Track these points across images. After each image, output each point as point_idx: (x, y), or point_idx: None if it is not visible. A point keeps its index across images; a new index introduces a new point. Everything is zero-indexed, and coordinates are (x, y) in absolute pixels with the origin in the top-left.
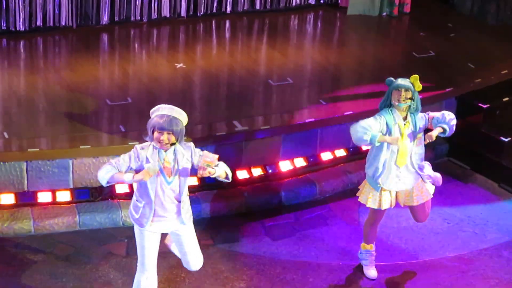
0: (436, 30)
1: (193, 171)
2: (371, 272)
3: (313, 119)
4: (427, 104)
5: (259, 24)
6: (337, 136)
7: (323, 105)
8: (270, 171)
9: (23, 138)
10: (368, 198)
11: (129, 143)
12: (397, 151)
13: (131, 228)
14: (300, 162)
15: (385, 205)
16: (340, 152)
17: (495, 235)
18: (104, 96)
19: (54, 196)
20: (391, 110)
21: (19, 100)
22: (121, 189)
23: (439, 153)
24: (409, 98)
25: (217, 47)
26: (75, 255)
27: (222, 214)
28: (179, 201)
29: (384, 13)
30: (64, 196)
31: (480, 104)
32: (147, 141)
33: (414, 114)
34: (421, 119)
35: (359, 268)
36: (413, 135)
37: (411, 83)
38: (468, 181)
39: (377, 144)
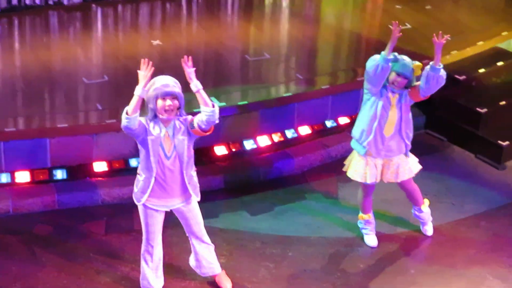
0: (412, 2)
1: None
2: (371, 240)
3: (290, 94)
4: None
5: (235, 0)
6: (315, 110)
7: (300, 79)
8: (248, 146)
9: None
10: (355, 171)
11: (106, 121)
12: (385, 120)
13: (110, 206)
14: (277, 137)
15: (370, 179)
16: (318, 126)
17: (473, 206)
18: (80, 74)
19: (32, 176)
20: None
21: None
22: (99, 167)
23: (416, 125)
24: (404, 86)
25: (193, 24)
26: (54, 234)
27: (201, 190)
28: (182, 177)
29: None
30: (42, 175)
31: (456, 76)
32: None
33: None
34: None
35: (338, 242)
36: (402, 104)
37: (412, 71)
38: (445, 153)
39: (389, 56)
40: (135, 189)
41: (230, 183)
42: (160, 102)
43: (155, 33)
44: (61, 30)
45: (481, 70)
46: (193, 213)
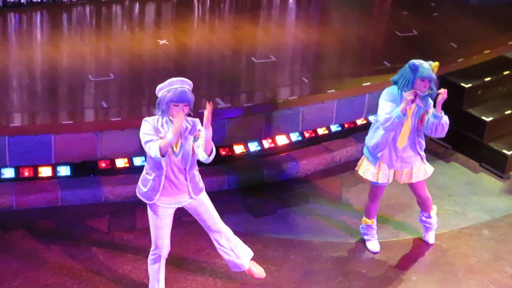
0: (419, 9)
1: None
2: (373, 245)
3: (295, 97)
4: None
5: (242, 2)
6: (320, 114)
7: (306, 83)
8: (252, 148)
9: (4, 113)
10: (367, 170)
11: (111, 119)
12: (399, 132)
13: (113, 204)
14: (282, 139)
15: (382, 179)
16: (322, 130)
17: (476, 214)
18: (86, 71)
19: (36, 172)
20: (400, 91)
21: (1, 76)
22: (103, 165)
23: None
24: (430, 88)
25: (200, 25)
26: (57, 231)
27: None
28: (187, 174)
29: None
30: (46, 171)
31: (462, 84)
32: (155, 115)
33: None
34: (427, 102)
35: (340, 246)
36: (417, 116)
37: (432, 71)
38: (450, 161)
39: (403, 115)
40: (144, 189)
41: (234, 184)
42: (173, 108)
43: (162, 33)
44: (68, 27)
45: (487, 79)
46: (205, 207)
